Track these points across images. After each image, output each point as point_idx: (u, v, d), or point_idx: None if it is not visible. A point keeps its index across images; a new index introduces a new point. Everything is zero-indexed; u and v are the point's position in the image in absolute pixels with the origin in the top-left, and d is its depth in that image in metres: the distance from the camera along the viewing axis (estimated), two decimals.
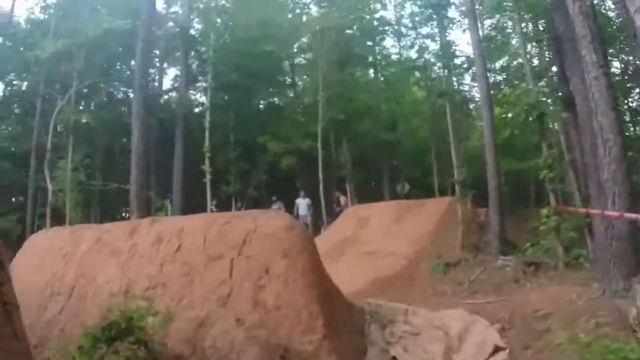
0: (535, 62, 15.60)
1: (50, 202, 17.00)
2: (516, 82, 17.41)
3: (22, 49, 19.99)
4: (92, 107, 23.57)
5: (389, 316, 5.72)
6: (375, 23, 25.41)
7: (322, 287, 4.65)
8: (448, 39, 19.07)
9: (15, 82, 23.64)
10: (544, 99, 10.25)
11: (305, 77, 29.48)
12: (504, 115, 11.35)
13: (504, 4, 14.61)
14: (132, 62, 26.85)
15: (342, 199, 19.97)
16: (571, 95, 10.38)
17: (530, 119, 9.75)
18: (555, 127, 12.94)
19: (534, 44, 13.90)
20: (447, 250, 11.56)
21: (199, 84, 26.46)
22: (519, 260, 9.84)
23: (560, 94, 12.00)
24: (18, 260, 6.84)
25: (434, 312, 6.34)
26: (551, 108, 9.68)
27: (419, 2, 19.74)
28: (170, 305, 4.72)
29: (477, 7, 13.64)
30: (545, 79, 13.14)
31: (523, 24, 11.48)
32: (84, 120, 19.50)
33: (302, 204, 19.18)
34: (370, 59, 26.58)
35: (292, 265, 4.51)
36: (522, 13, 11.81)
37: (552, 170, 9.74)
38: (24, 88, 22.88)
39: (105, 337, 3.77)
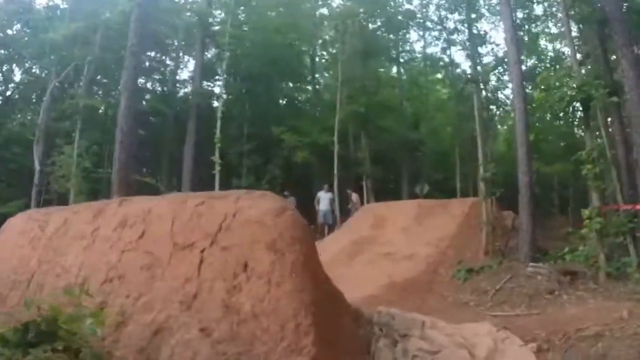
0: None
1: (54, 188, 16.44)
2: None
3: (39, 35, 19.51)
4: (105, 94, 23.06)
5: (402, 329, 4.68)
6: (400, 17, 24.31)
7: (318, 291, 3.64)
8: (476, 31, 17.77)
9: (34, 70, 23.37)
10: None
11: (326, 73, 28.66)
12: (542, 101, 10.10)
13: None
14: (149, 51, 26.62)
15: (354, 196, 18.89)
16: (616, 83, 9.23)
17: (571, 106, 8.52)
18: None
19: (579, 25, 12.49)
20: (470, 254, 10.44)
21: (217, 76, 25.82)
22: (553, 268, 8.66)
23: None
24: None
25: (456, 325, 5.27)
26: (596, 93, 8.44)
27: None
28: (126, 304, 3.79)
29: None
30: (588, 66, 11.89)
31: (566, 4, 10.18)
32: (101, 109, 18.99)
33: (324, 197, 18.01)
34: (394, 53, 25.57)
35: (278, 260, 3.50)
36: None
37: (597, 165, 8.51)
38: (38, 73, 22.46)
39: (18, 341, 2.86)
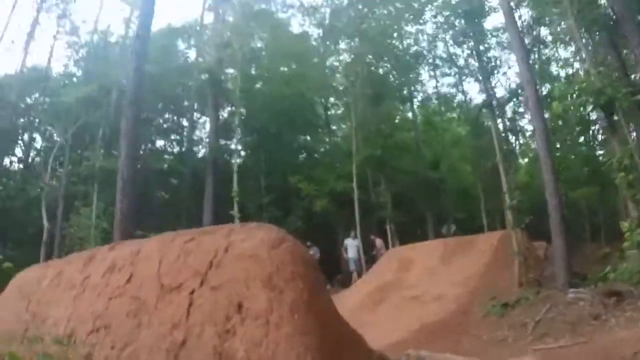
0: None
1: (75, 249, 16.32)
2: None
3: (54, 99, 20.14)
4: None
5: None
6: (409, 57, 24.43)
7: (327, 334, 3.14)
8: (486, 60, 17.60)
9: (54, 136, 24.07)
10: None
11: (342, 124, 28.66)
12: (561, 113, 9.58)
13: None
14: (166, 113, 27.24)
15: (378, 241, 18.27)
16: (635, 84, 8.74)
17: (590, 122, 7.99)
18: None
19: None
20: (502, 289, 9.68)
21: (232, 132, 26.15)
22: (595, 292, 7.88)
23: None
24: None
25: None
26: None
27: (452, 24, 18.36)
28: (111, 356, 3.34)
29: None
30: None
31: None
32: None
33: (352, 245, 17.44)
34: (407, 93, 25.54)
35: (276, 299, 3.04)
36: None
37: (630, 172, 7.87)
38: (56, 137, 23.08)
39: None
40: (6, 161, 22.27)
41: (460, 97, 24.98)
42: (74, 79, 21.99)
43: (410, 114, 26.50)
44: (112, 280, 3.89)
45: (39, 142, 23.45)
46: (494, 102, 17.61)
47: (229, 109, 25.43)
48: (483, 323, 8.51)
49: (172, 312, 3.31)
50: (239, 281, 3.22)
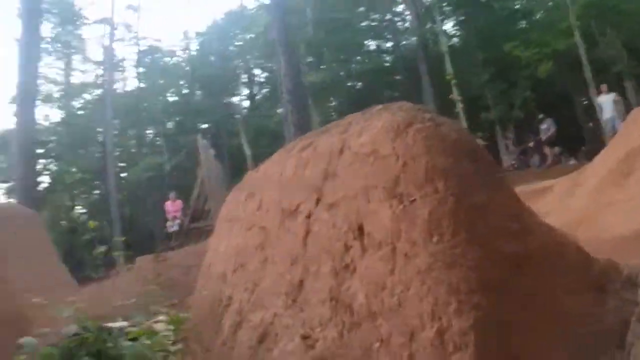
0: None
1: None
2: None
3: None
4: None
5: None
6: None
7: (496, 257, 1.91)
8: None
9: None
10: None
11: None
12: None
13: None
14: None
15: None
16: None
17: None
18: None
19: None
20: None
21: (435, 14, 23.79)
22: None
23: None
24: None
25: None
26: None
27: None
28: (244, 299, 2.82)
29: None
30: None
31: None
32: None
33: (607, 101, 14.00)
34: None
35: (406, 213, 1.98)
36: None
37: None
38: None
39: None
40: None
41: None
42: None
43: None
44: (248, 208, 3.33)
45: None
46: None
47: None
48: None
49: (291, 243, 2.54)
50: (358, 193, 2.22)
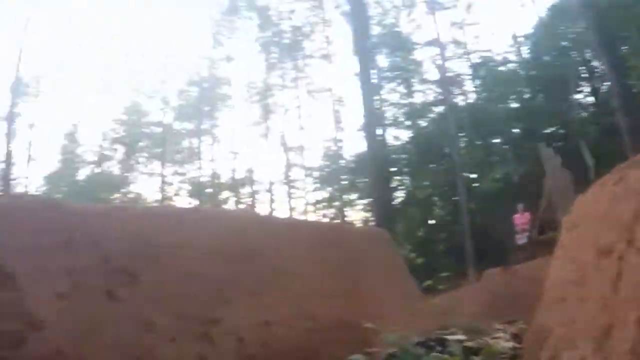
0: None
1: None
2: None
3: None
4: None
5: None
6: None
7: None
8: None
9: None
10: None
11: None
12: None
13: None
14: None
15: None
16: None
17: None
18: None
19: None
20: None
21: None
22: None
23: None
24: None
25: None
26: None
27: None
28: (560, 335, 2.81)
29: None
30: None
31: None
32: None
33: None
34: None
35: None
36: None
37: None
38: None
39: None
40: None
41: None
42: None
43: None
44: (570, 239, 3.27)
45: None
46: None
47: None
48: None
49: (603, 285, 2.47)
50: None
